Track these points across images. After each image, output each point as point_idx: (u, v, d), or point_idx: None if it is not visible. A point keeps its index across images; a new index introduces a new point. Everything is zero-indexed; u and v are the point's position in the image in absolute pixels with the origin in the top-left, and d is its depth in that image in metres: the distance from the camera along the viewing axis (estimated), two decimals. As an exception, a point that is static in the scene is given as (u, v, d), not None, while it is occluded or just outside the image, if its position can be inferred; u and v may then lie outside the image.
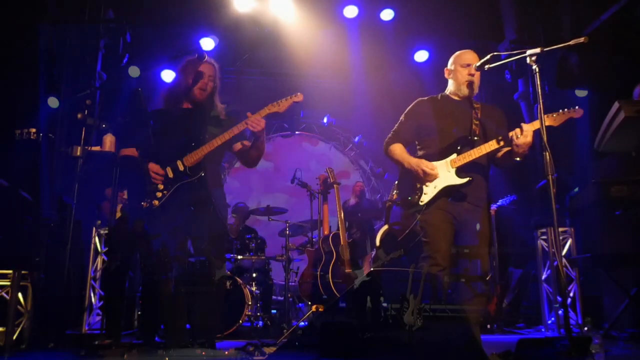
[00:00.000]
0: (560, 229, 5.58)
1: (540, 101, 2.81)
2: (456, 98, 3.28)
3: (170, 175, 3.05)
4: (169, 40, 6.96)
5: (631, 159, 3.54)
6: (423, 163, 3.12)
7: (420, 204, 3.12)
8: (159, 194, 3.03)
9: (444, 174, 3.12)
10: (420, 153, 3.30)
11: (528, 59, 2.85)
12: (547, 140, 2.77)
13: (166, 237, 3.06)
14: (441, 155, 3.17)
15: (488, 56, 3.13)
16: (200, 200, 3.08)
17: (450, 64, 3.36)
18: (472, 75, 3.21)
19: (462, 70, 3.25)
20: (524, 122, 2.91)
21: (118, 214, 4.16)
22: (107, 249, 5.57)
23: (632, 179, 3.43)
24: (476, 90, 3.28)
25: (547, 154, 2.78)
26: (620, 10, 5.23)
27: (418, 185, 3.16)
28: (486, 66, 3.11)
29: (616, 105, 3.35)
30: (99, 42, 6.24)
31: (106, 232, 5.56)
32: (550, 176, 2.74)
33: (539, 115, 2.83)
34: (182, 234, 3.14)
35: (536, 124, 2.96)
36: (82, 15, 6.13)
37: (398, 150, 3.28)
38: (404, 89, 8.58)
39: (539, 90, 2.84)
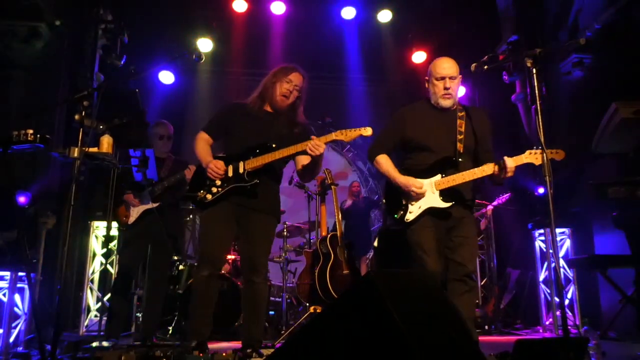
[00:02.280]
0: (558, 230, 5.59)
1: (538, 102, 2.81)
2: (439, 107, 3.23)
3: (230, 174, 3.12)
4: (167, 42, 6.96)
5: (628, 160, 3.54)
6: (411, 182, 3.09)
7: (406, 221, 3.13)
8: (214, 189, 3.11)
9: (429, 194, 3.11)
10: (406, 165, 3.27)
11: (525, 60, 2.85)
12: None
13: (209, 234, 3.18)
14: (426, 173, 3.14)
15: (485, 57, 3.13)
16: (250, 206, 3.15)
17: (428, 73, 3.27)
18: (448, 88, 3.14)
19: (437, 83, 3.17)
20: (522, 124, 2.93)
21: (132, 218, 4.17)
22: (105, 250, 5.57)
23: (629, 180, 3.43)
24: (455, 100, 3.23)
25: (545, 155, 2.79)
26: (617, 12, 5.24)
27: (404, 202, 3.16)
28: (485, 67, 3.11)
29: (613, 106, 3.36)
30: (96, 43, 6.23)
31: (104, 234, 5.56)
32: (548, 177, 2.74)
33: (536, 117, 2.83)
34: (227, 234, 3.22)
35: (519, 159, 2.98)
36: (80, 17, 6.12)
37: (384, 163, 3.24)
38: (401, 89, 8.60)
39: (537, 92, 2.84)
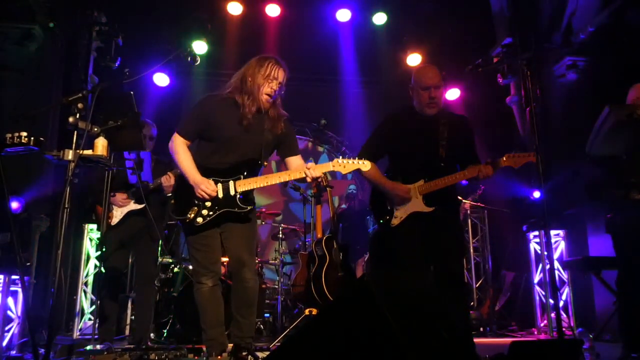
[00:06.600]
0: (552, 232, 5.61)
1: (532, 105, 2.84)
2: (423, 115, 3.27)
3: (220, 194, 2.93)
4: (162, 44, 6.95)
5: (622, 163, 3.56)
6: (398, 188, 3.14)
7: (391, 226, 3.19)
8: (205, 212, 2.93)
9: (413, 199, 3.17)
10: (391, 171, 3.34)
11: (520, 63, 2.87)
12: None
13: (203, 246, 3.05)
14: (410, 179, 3.20)
15: (480, 59, 3.15)
16: (233, 218, 3.01)
17: (412, 82, 3.29)
18: (433, 98, 3.17)
19: (422, 93, 3.20)
20: (516, 126, 2.94)
21: (115, 219, 4.13)
22: (98, 253, 5.54)
23: (623, 183, 3.45)
24: (440, 107, 3.27)
25: (540, 156, 2.80)
26: (611, 14, 5.28)
27: (389, 208, 3.21)
28: (479, 69, 3.13)
29: (607, 109, 3.38)
30: (90, 46, 6.21)
31: (98, 237, 5.53)
32: (541, 179, 2.76)
33: (530, 119, 2.85)
34: (217, 242, 3.10)
35: (497, 164, 3.05)
36: (74, 19, 6.11)
37: (372, 170, 3.24)
38: (396, 92, 8.61)
39: (531, 94, 2.87)
